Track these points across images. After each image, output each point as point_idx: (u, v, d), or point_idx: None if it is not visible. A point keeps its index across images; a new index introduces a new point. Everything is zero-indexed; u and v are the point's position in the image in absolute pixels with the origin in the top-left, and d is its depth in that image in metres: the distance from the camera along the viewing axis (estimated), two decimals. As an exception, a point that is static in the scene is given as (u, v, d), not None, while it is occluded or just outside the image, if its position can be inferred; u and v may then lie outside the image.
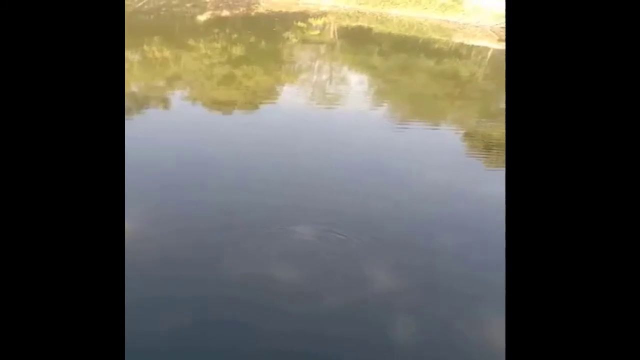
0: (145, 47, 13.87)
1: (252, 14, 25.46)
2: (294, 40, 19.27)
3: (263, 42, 17.85)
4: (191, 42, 15.77)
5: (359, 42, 21.02)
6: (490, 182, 6.79)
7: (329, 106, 10.40)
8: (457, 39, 23.07)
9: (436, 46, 21.02)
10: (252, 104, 9.51)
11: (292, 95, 10.79)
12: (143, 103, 9.02)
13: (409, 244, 4.91)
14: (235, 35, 18.41)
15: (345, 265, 4.44)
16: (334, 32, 23.10)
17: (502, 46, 22.35)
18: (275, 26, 22.52)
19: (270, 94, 10.66)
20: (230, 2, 27.72)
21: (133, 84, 10.27)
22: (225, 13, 24.53)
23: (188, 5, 25.17)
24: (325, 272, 4.32)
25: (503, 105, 12.16)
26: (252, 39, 17.17)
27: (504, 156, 7.33)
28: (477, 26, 25.99)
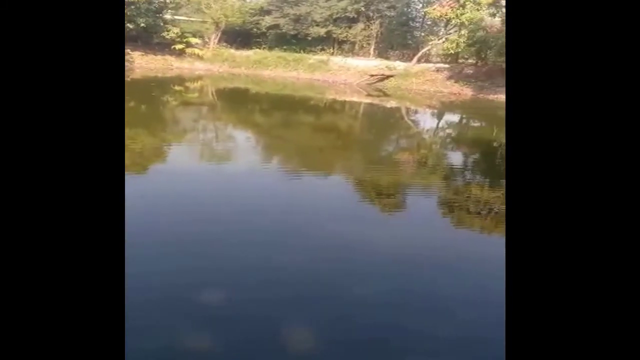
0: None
1: (128, 79, 24.43)
2: (174, 102, 18.66)
3: (143, 106, 17.00)
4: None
5: (238, 102, 20.88)
6: (385, 226, 6.68)
7: (219, 163, 9.94)
8: (329, 95, 23.84)
9: (312, 103, 21.51)
10: (140, 166, 8.77)
11: (180, 155, 10.20)
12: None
13: (321, 299, 4.50)
14: (113, 100, 17.35)
15: (264, 328, 3.91)
16: (212, 94, 22.84)
17: (371, 100, 23.43)
18: (153, 91, 21.79)
19: (158, 155, 9.98)
20: (104, 69, 26.44)
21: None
22: (100, 79, 23.27)
23: (59, 72, 23.59)
24: (246, 339, 3.75)
25: (385, 154, 12.53)
26: (132, 103, 16.24)
27: (396, 201, 7.24)
28: (344, 83, 27.17)
